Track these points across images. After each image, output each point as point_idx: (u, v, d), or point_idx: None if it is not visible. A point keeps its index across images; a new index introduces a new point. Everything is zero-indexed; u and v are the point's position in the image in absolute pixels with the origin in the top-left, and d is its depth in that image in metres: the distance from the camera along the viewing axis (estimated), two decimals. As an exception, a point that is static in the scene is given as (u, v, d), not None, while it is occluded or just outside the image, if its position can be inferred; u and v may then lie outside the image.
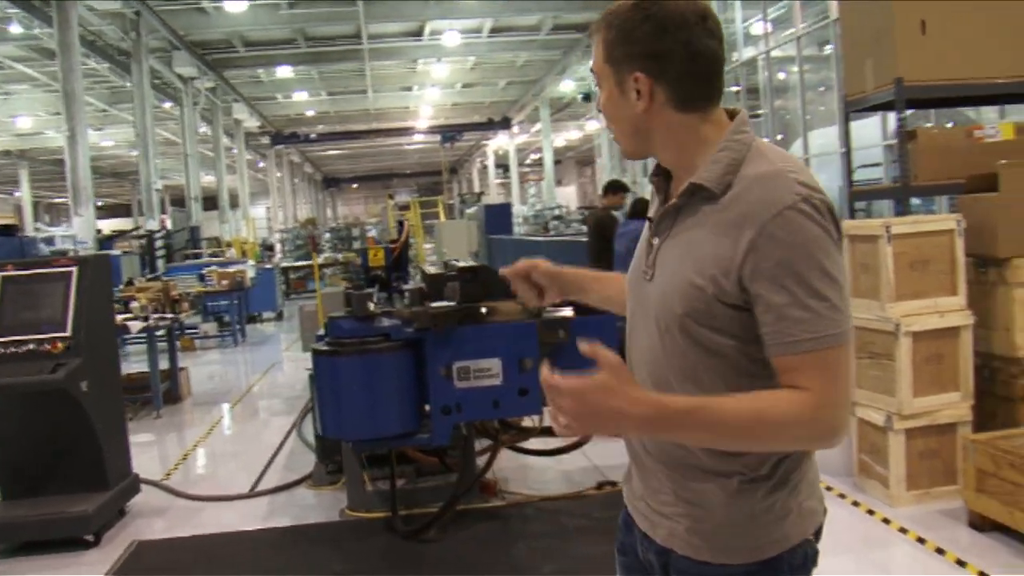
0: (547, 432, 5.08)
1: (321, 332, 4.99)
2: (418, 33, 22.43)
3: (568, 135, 42.10)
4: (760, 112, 16.58)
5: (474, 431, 5.17)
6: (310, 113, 33.46)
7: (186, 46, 20.64)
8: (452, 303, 4.61)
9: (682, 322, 1.57)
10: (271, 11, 19.14)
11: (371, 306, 4.61)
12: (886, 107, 5.77)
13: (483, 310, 4.61)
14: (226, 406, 9.12)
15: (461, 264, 4.95)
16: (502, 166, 45.80)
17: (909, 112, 6.69)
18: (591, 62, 1.71)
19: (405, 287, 6.44)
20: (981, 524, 4.44)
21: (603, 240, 8.66)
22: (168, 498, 5.97)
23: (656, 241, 1.68)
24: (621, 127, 1.67)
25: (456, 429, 4.65)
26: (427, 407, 4.57)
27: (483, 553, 4.66)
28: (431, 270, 5.24)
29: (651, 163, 1.80)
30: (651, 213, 1.75)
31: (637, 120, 1.64)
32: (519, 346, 4.57)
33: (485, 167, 47.51)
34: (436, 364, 4.50)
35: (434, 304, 4.63)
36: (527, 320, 4.64)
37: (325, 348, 4.51)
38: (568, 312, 4.75)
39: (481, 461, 5.42)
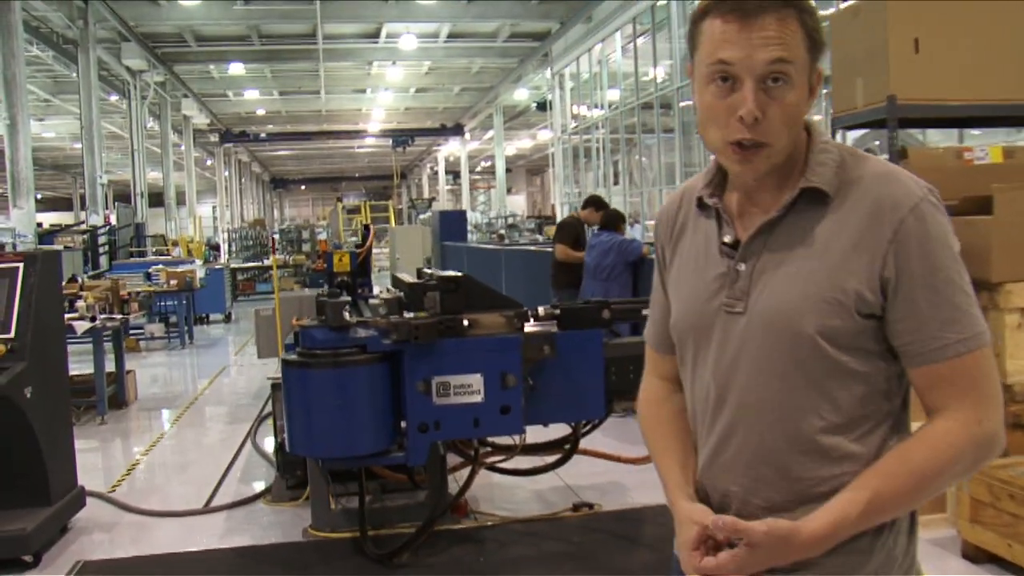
0: (528, 451, 4.85)
1: (290, 340, 4.72)
2: (375, 35, 22.14)
3: (520, 144, 42.03)
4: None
5: (447, 449, 4.92)
6: (261, 112, 32.91)
7: (136, 38, 20.07)
8: (432, 314, 4.36)
9: (812, 343, 1.38)
10: (225, 6, 18.71)
11: (346, 315, 4.33)
12: (876, 125, 5.65)
13: (465, 322, 4.37)
14: (175, 412, 8.73)
15: (442, 273, 4.70)
16: (452, 172, 45.58)
17: (861, 132, 6.61)
18: (772, 51, 1.34)
19: (371, 295, 6.18)
20: (976, 556, 4.31)
21: (575, 247, 8.63)
22: (116, 513, 5.60)
23: (744, 266, 1.46)
24: (794, 133, 1.42)
25: (433, 448, 4.40)
26: (403, 424, 4.32)
27: (461, 580, 4.41)
28: (407, 278, 4.98)
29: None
30: (725, 238, 1.51)
31: (802, 125, 1.45)
32: (502, 361, 4.33)
33: (435, 173, 47.22)
34: (414, 378, 4.24)
35: (413, 315, 4.38)
36: (511, 334, 4.42)
37: (296, 359, 4.23)
38: (552, 327, 4.54)
39: (451, 478, 5.17)
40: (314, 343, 4.24)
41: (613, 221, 8.23)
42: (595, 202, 9.00)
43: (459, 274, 4.61)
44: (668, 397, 1.70)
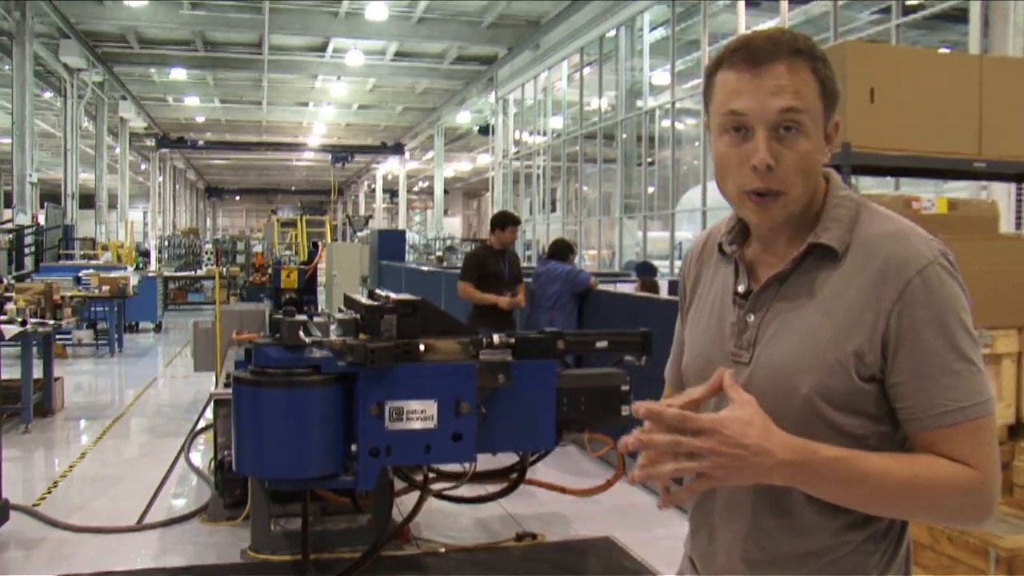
0: (475, 479, 4.81)
1: (240, 357, 4.63)
2: (321, 49, 22.04)
3: (459, 166, 42.10)
4: (652, 160, 16.91)
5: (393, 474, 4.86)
6: (200, 119, 32.46)
7: (76, 35, 19.60)
8: (388, 337, 4.31)
9: (809, 403, 1.37)
10: (171, 9, 18.42)
11: (301, 334, 4.26)
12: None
13: (421, 347, 4.33)
14: (104, 423, 8.44)
15: (398, 296, 4.65)
16: (389, 191, 45.44)
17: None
18: (783, 99, 1.35)
19: (316, 313, 6.09)
20: (912, 600, 4.39)
21: (478, 277, 7.53)
22: (42, 529, 5.38)
23: (753, 317, 1.46)
24: (810, 181, 1.40)
25: (382, 473, 4.34)
26: (353, 447, 4.25)
27: (404, 608, 4.35)
28: (363, 300, 4.91)
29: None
30: (739, 287, 1.51)
31: (820, 174, 1.43)
32: (457, 388, 4.30)
33: (373, 190, 46.99)
34: (368, 402, 4.17)
35: (368, 337, 4.32)
36: (466, 361, 4.39)
37: (249, 376, 4.14)
38: (507, 355, 4.52)
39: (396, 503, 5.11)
40: (268, 361, 4.16)
41: (562, 251, 8.21)
42: (504, 220, 7.76)
43: (416, 298, 4.57)
44: None
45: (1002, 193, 8.00)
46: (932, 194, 6.96)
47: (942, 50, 12.12)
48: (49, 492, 6.17)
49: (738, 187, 1.40)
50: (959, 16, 10.36)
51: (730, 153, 1.39)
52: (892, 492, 1.29)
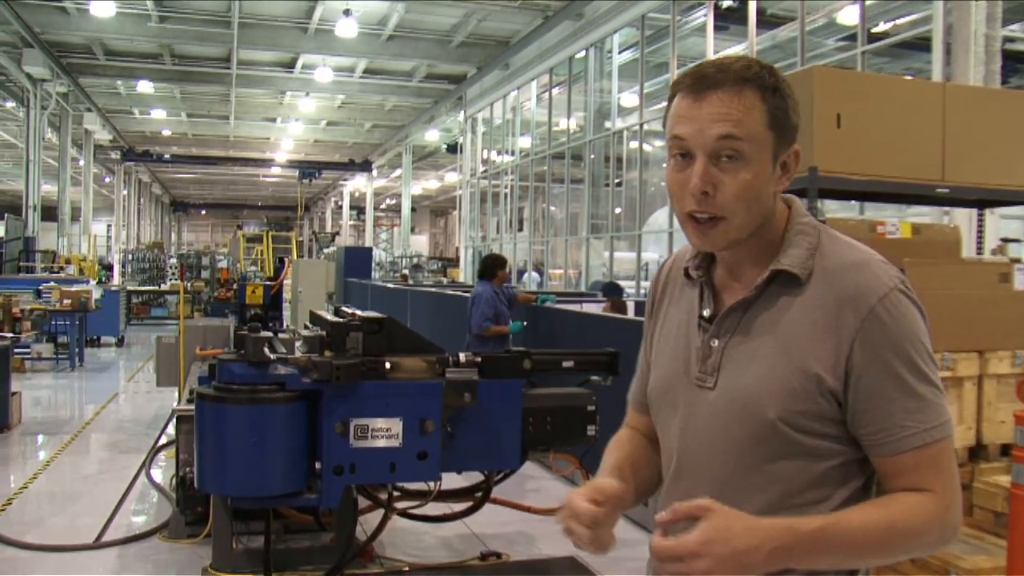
0: (439, 497, 4.78)
1: (204, 373, 4.58)
2: (290, 65, 21.97)
3: (427, 184, 42.07)
4: (620, 181, 17.02)
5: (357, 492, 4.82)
6: (166, 132, 32.17)
7: (40, 45, 19.34)
8: (354, 354, 4.29)
9: (775, 428, 1.38)
10: (139, 22, 18.25)
11: (266, 351, 4.22)
12: (797, 193, 5.84)
13: (387, 365, 4.31)
14: (62, 439, 8.31)
15: (365, 314, 4.64)
16: (356, 208, 45.31)
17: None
18: (720, 127, 1.35)
19: (282, 329, 6.05)
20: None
21: None
22: (-3, 545, 5.30)
23: (717, 342, 1.47)
24: (755, 209, 1.41)
25: (346, 491, 4.30)
26: (317, 465, 4.22)
27: (366, 628, 4.30)
28: (329, 317, 4.89)
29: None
30: (704, 312, 1.52)
31: (771, 202, 1.44)
32: (422, 406, 4.28)
33: (340, 207, 46.83)
34: (332, 420, 4.14)
35: (334, 354, 4.29)
36: (432, 379, 4.37)
37: (212, 392, 4.10)
38: (473, 374, 4.51)
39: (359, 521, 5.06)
40: (232, 377, 4.12)
41: (488, 269, 7.84)
42: None
43: (382, 315, 4.56)
44: (632, 435, 1.71)
45: (963, 218, 8.14)
46: (896, 218, 7.05)
47: (906, 77, 12.31)
48: (3, 509, 6.05)
49: (681, 209, 1.42)
50: (923, 45, 10.54)
51: (675, 177, 1.41)
52: (875, 546, 1.31)
